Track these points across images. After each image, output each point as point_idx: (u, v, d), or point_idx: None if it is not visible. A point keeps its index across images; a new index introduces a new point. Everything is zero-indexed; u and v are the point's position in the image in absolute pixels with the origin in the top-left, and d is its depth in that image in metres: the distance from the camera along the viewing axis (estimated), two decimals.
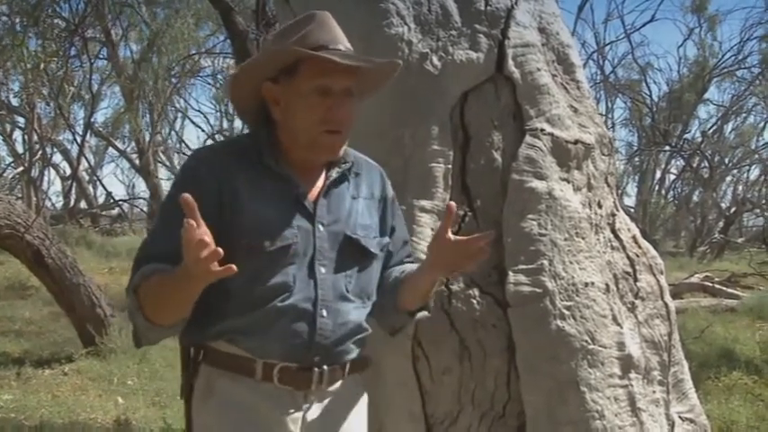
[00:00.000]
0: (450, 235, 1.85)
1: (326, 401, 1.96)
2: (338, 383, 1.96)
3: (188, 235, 1.60)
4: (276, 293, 1.87)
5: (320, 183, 1.97)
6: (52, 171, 23.44)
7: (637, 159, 26.02)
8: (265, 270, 1.86)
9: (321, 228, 1.93)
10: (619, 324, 2.21)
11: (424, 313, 2.00)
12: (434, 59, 2.27)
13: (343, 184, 2.00)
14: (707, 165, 23.83)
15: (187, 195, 1.64)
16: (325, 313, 1.91)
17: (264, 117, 1.99)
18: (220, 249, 1.61)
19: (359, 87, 1.95)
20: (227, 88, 2.11)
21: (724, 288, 11.68)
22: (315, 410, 1.94)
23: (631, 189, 27.25)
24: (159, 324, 1.80)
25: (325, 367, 1.92)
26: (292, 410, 1.91)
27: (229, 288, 1.84)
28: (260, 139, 1.97)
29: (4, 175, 22.17)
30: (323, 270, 1.92)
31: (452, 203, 1.85)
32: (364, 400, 2.04)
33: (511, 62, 2.29)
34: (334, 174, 1.97)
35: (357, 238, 1.97)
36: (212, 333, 1.90)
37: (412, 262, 2.09)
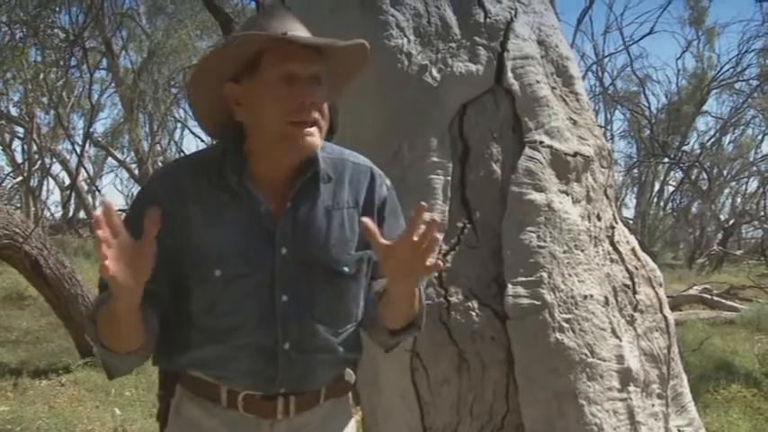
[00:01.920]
0: (381, 241, 1.61)
1: (299, 429, 1.85)
2: (312, 410, 1.84)
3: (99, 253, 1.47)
4: (232, 327, 1.75)
5: (285, 197, 1.78)
6: (51, 181, 23.45)
7: (635, 171, 26.06)
8: (219, 300, 1.73)
9: (284, 250, 1.76)
10: (618, 337, 2.21)
11: (412, 332, 1.84)
12: (434, 71, 2.27)
13: (315, 195, 1.80)
14: (705, 177, 23.86)
15: (107, 202, 1.50)
16: (287, 346, 1.76)
17: (233, 127, 1.81)
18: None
19: (331, 81, 1.79)
20: (187, 98, 1.96)
21: (723, 300, 11.66)
22: None
23: (630, 201, 27.28)
24: (117, 352, 1.68)
25: (291, 397, 1.81)
26: None
27: (190, 317, 1.77)
28: (224, 151, 1.80)
29: (3, 184, 22.17)
30: (284, 298, 1.76)
31: (423, 204, 1.59)
32: (349, 424, 1.92)
33: (510, 74, 2.30)
34: (297, 185, 1.77)
35: (326, 261, 1.78)
36: (178, 362, 1.82)
37: None
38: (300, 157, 1.77)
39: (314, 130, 1.73)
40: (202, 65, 1.82)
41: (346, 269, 1.80)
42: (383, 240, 1.61)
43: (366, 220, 1.62)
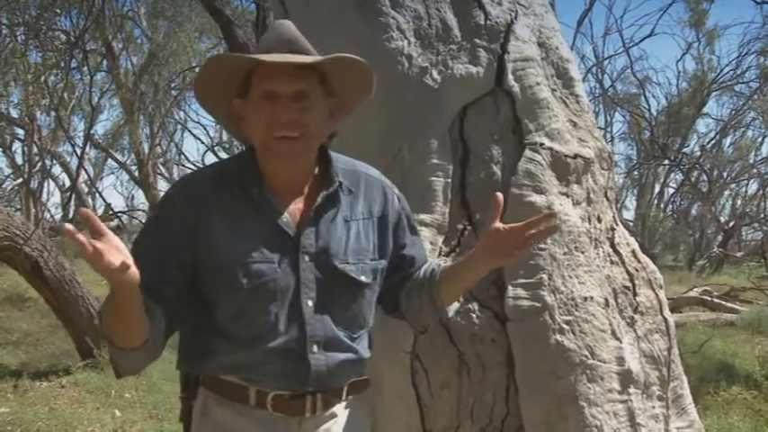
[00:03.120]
0: (500, 224, 1.78)
1: (324, 425, 1.91)
2: (336, 407, 1.91)
3: (84, 253, 1.51)
4: (261, 333, 1.80)
5: (306, 208, 1.86)
6: (51, 183, 23.44)
7: (636, 173, 26.06)
8: (247, 308, 1.79)
9: (307, 259, 1.83)
10: (618, 339, 2.21)
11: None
12: (434, 73, 2.27)
13: (335, 206, 1.88)
14: (706, 178, 23.86)
15: (85, 210, 1.59)
16: (315, 349, 1.83)
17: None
18: (123, 260, 1.54)
19: (340, 94, 1.88)
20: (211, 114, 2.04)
21: (723, 302, 11.66)
22: None
23: (630, 203, 27.29)
24: (123, 347, 1.73)
25: (318, 395, 1.87)
26: None
27: (217, 325, 1.81)
28: (244, 164, 1.88)
29: (4, 186, 22.17)
30: (310, 304, 1.83)
31: (500, 195, 1.79)
32: (366, 421, 1.99)
33: (510, 76, 2.30)
34: (320, 199, 1.85)
35: (346, 270, 1.86)
36: (206, 367, 1.87)
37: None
38: (287, 165, 1.85)
39: (298, 142, 1.80)
40: (196, 84, 1.92)
41: (363, 278, 1.88)
42: (500, 224, 1.78)
43: (499, 195, 1.78)
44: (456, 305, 1.98)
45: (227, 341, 1.83)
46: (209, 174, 1.93)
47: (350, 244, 1.88)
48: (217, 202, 1.83)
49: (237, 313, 1.80)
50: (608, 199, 2.45)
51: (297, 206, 1.86)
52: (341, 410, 1.93)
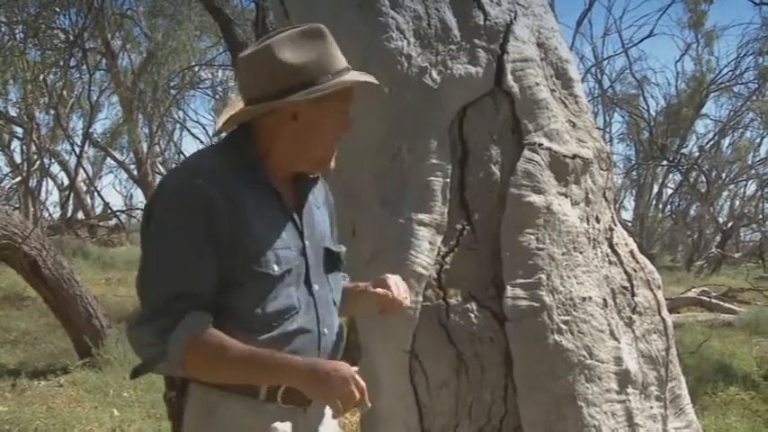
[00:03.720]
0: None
1: (315, 413, 1.96)
2: None
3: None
4: (283, 317, 1.85)
5: (295, 195, 1.96)
6: (50, 181, 23.41)
7: (634, 173, 26.06)
8: (270, 293, 1.83)
9: (308, 243, 1.92)
10: (616, 339, 2.21)
11: None
12: (434, 73, 2.28)
13: (312, 193, 2.00)
14: (704, 179, 23.87)
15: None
16: (326, 331, 1.92)
17: (241, 128, 1.94)
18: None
19: None
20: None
21: (721, 303, 11.66)
22: (310, 424, 1.94)
23: (629, 203, 27.29)
24: (194, 376, 1.79)
25: None
26: (295, 428, 1.90)
27: (233, 311, 1.82)
28: (250, 152, 1.91)
29: (2, 185, 22.16)
30: (317, 287, 1.91)
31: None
32: None
33: (510, 77, 2.30)
34: (309, 187, 1.98)
35: (333, 249, 1.99)
36: (150, 367, 1.85)
37: None
38: (321, 172, 1.98)
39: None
40: (285, 83, 1.89)
41: (343, 259, 2.00)
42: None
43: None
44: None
45: (243, 329, 1.82)
46: (218, 161, 1.91)
47: (325, 228, 2.00)
48: (241, 185, 1.85)
49: (261, 299, 1.82)
50: (606, 199, 2.46)
51: (289, 193, 1.93)
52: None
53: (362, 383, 1.68)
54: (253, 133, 1.92)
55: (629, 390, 2.20)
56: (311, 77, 1.88)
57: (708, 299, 11.80)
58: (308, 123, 1.90)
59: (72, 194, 19.72)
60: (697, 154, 24.29)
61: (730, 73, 23.27)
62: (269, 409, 1.87)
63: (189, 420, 1.89)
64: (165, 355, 1.74)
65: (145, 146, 19.55)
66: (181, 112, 24.10)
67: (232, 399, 1.87)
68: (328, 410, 1.96)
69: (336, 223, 2.10)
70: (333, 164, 1.95)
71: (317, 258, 1.94)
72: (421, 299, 2.13)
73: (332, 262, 1.98)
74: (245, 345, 1.77)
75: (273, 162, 1.92)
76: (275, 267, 1.83)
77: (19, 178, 20.26)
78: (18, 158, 21.44)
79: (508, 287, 2.14)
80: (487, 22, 2.34)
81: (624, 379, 2.19)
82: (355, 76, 1.92)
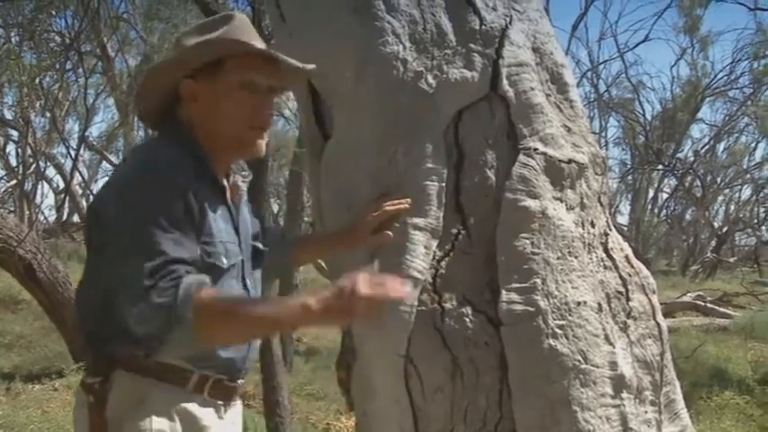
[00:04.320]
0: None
1: (234, 411, 2.00)
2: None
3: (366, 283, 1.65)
4: None
5: (231, 191, 1.97)
6: (46, 185, 23.39)
7: (630, 178, 26.13)
8: (218, 285, 1.82)
9: (242, 239, 1.96)
10: (611, 344, 2.22)
11: None
12: (429, 78, 2.28)
13: (244, 189, 2.02)
14: (699, 184, 23.95)
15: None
16: None
17: (170, 122, 1.92)
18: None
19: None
20: (141, 86, 2.00)
21: (716, 307, 11.70)
22: (228, 421, 1.97)
23: (624, 207, 27.38)
24: (205, 346, 1.76)
25: (242, 380, 1.99)
26: (218, 422, 1.92)
27: None
28: (193, 147, 1.89)
29: None
30: (249, 282, 1.95)
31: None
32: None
33: (505, 81, 2.30)
34: (243, 184, 2.02)
35: (258, 246, 2.04)
36: (159, 344, 1.79)
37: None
38: (249, 158, 1.97)
39: (266, 135, 1.92)
40: (165, 63, 1.93)
41: (266, 258, 2.07)
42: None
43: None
44: None
45: None
46: (174, 153, 1.88)
47: (251, 223, 2.06)
48: (195, 181, 1.83)
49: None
50: (601, 204, 2.46)
51: (227, 188, 1.96)
52: (238, 400, 2.04)
53: (383, 281, 1.65)
54: (184, 126, 1.92)
55: (624, 394, 2.21)
56: (205, 55, 1.87)
57: (703, 303, 11.84)
58: (209, 102, 1.87)
59: (68, 198, 19.70)
60: (692, 158, 24.39)
61: (725, 78, 23.40)
62: (196, 399, 1.88)
63: (115, 408, 1.83)
64: (177, 317, 1.64)
65: None
66: None
67: (161, 387, 1.85)
68: (239, 405, 2.04)
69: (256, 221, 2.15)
70: (263, 144, 1.92)
71: (247, 255, 1.97)
72: (416, 303, 2.13)
73: (258, 259, 2.03)
74: (241, 296, 1.80)
75: (213, 158, 1.91)
76: (224, 260, 1.84)
77: (14, 181, 20.24)
78: (13, 161, 21.44)
79: (503, 291, 2.15)
80: (483, 27, 2.34)
81: (619, 383, 2.20)
82: (249, 43, 1.84)
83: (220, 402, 1.92)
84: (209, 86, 1.87)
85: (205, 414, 1.88)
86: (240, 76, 1.86)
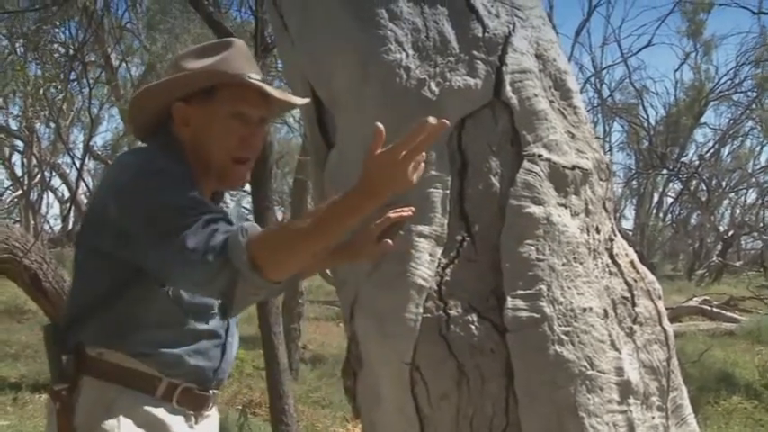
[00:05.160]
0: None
1: (204, 422, 1.99)
2: (213, 407, 2.03)
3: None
4: (201, 313, 1.90)
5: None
6: (51, 194, 23.46)
7: (634, 182, 26.11)
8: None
9: None
10: (617, 349, 2.21)
11: None
12: (432, 85, 2.28)
13: (225, 202, 2.06)
14: (704, 188, 23.92)
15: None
16: (231, 340, 1.99)
17: (162, 135, 1.95)
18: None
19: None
20: (132, 102, 2.02)
21: (722, 311, 11.67)
22: (204, 427, 1.97)
23: (629, 212, 27.35)
24: (276, 279, 1.70)
25: (215, 391, 1.99)
26: (189, 431, 1.92)
27: (154, 301, 1.84)
28: (184, 158, 1.91)
29: (3, 198, 22.16)
30: None
31: (380, 126, 1.80)
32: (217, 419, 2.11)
33: (508, 88, 2.31)
34: (229, 200, 2.07)
35: None
36: (126, 343, 1.83)
37: None
38: (228, 189, 2.02)
39: (250, 165, 1.95)
40: (161, 85, 1.92)
41: None
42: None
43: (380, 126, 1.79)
44: None
45: (161, 316, 1.85)
46: (167, 159, 1.89)
47: None
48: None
49: (184, 293, 1.86)
50: (606, 210, 2.46)
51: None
52: (214, 411, 2.04)
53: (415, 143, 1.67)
54: (175, 143, 1.94)
55: (631, 400, 2.20)
56: (202, 82, 1.89)
57: (709, 308, 11.80)
58: (199, 128, 1.89)
59: (73, 207, 19.75)
60: (697, 163, 24.36)
61: (729, 82, 23.38)
62: (165, 407, 1.88)
63: (82, 414, 1.83)
64: (236, 269, 1.64)
65: None
66: None
67: (130, 394, 1.84)
68: (215, 417, 2.05)
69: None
70: (245, 176, 1.96)
71: None
72: (421, 310, 2.13)
73: None
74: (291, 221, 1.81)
75: (198, 177, 1.91)
76: None
77: (20, 192, 20.30)
78: (19, 172, 21.50)
79: (508, 298, 2.14)
80: (486, 35, 2.34)
81: (625, 389, 2.19)
82: (247, 77, 1.89)
83: (190, 411, 1.92)
84: (201, 111, 1.89)
85: (174, 422, 1.87)
86: (232, 106, 1.89)
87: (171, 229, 1.68)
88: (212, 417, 2.01)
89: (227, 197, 2.08)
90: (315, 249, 1.73)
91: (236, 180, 1.93)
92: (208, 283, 1.65)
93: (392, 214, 2.12)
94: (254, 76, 1.90)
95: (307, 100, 2.04)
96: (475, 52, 2.33)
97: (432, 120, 1.70)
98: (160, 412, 1.84)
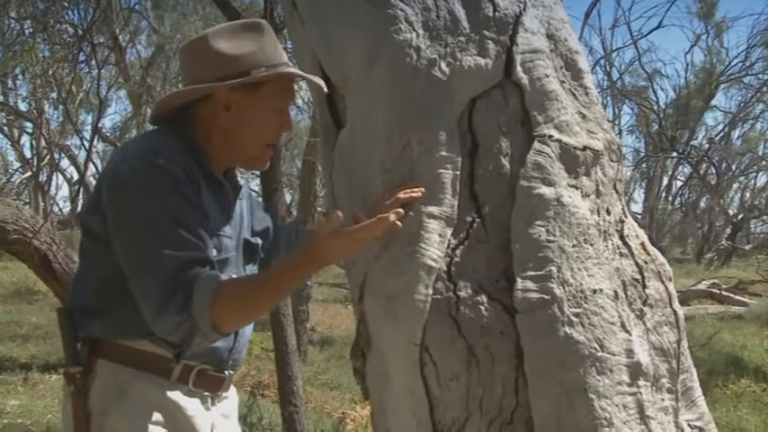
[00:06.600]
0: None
1: (223, 405, 2.03)
2: (231, 386, 2.07)
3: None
4: None
5: (229, 189, 2.03)
6: (60, 176, 23.53)
7: (644, 166, 26.00)
8: None
9: (236, 234, 2.01)
10: (627, 331, 2.20)
11: None
12: (443, 65, 2.27)
13: (240, 187, 2.05)
14: (714, 171, 23.82)
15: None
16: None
17: (176, 119, 1.95)
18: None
19: None
20: (176, 94, 2.01)
21: (731, 295, 11.65)
22: (217, 413, 1.97)
23: (638, 195, 27.27)
24: (225, 332, 1.79)
25: (231, 372, 2.02)
26: (204, 412, 1.92)
27: None
28: (192, 138, 1.92)
29: (12, 180, 22.24)
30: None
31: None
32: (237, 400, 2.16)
33: (519, 68, 2.29)
34: (242, 182, 2.06)
35: (255, 243, 2.08)
36: (141, 331, 1.83)
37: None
38: (252, 170, 2.10)
39: (275, 149, 2.05)
40: (217, 71, 1.93)
41: (261, 252, 2.11)
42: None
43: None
44: None
45: None
46: (171, 144, 1.90)
47: (247, 219, 2.10)
48: (193, 172, 1.88)
49: None
50: (617, 191, 2.45)
51: (224, 183, 2.01)
52: (232, 393, 2.08)
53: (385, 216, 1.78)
54: (191, 122, 1.94)
55: (641, 382, 2.20)
56: (245, 69, 1.90)
57: (718, 291, 11.78)
58: (241, 116, 1.91)
59: (82, 189, 19.80)
60: (707, 146, 24.24)
61: (740, 64, 23.22)
62: (181, 390, 1.88)
63: (97, 397, 1.84)
64: (196, 327, 1.72)
65: None
66: None
67: (144, 378, 1.85)
68: (234, 398, 2.08)
69: (254, 216, 2.18)
70: (267, 164, 1.99)
71: (240, 250, 2.02)
72: (431, 291, 2.12)
73: (250, 254, 2.06)
74: (251, 277, 1.85)
75: (210, 153, 1.94)
76: (214, 252, 1.85)
77: (29, 173, 20.36)
78: (28, 153, 21.55)
79: (518, 279, 2.14)
80: (497, 14, 2.32)
81: (635, 371, 2.19)
82: (292, 70, 1.96)
83: (207, 393, 1.92)
84: (245, 100, 1.92)
85: (190, 404, 1.88)
86: (277, 101, 1.97)
87: (144, 252, 1.73)
88: (231, 398, 2.03)
89: (237, 176, 2.08)
90: (267, 309, 1.89)
91: (263, 163, 2.00)
92: (166, 333, 1.74)
93: (402, 195, 2.10)
94: (294, 70, 2.00)
95: (324, 89, 2.06)
96: (485, 32, 2.31)
97: (392, 217, 1.84)
98: (175, 395, 1.85)
